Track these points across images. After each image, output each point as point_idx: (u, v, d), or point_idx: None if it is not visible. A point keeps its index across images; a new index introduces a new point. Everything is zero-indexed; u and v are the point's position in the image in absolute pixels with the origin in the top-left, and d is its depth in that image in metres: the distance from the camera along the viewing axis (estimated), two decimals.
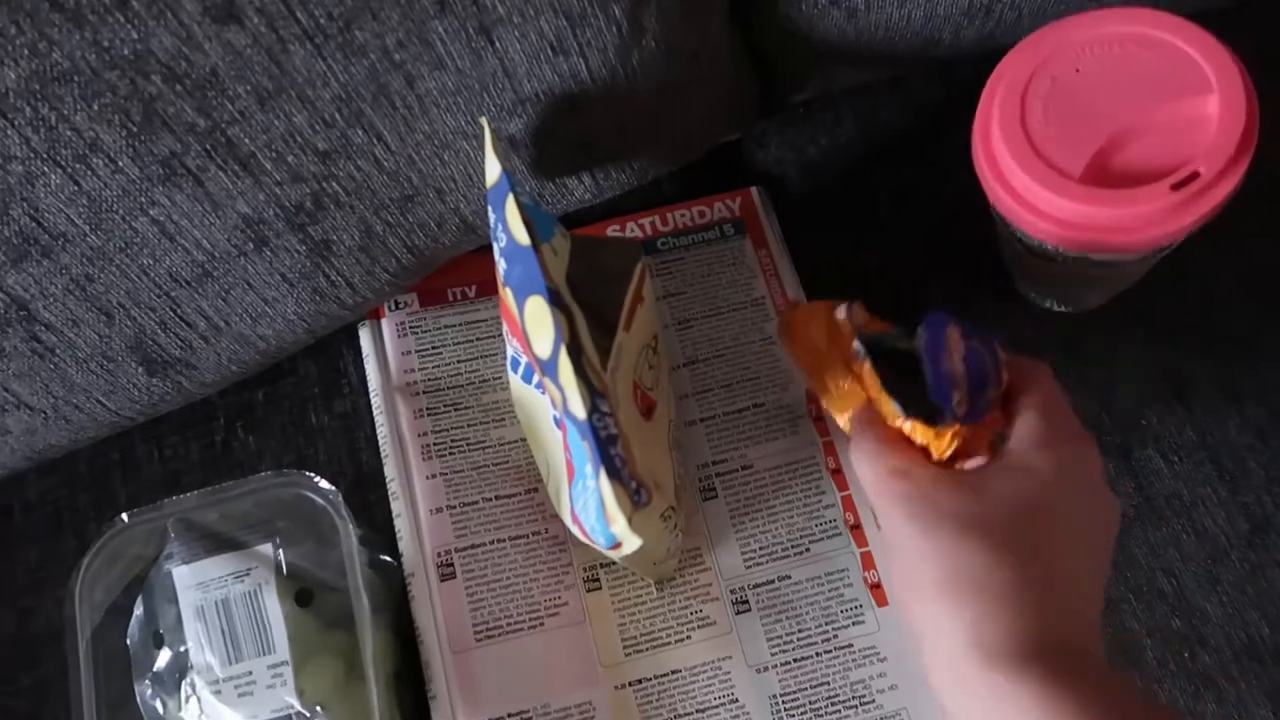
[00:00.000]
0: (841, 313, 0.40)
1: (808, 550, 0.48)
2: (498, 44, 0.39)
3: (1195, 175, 0.39)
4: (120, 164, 0.37)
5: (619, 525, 0.35)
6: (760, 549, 0.48)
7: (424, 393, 0.50)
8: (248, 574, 0.43)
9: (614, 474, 0.35)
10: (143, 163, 0.38)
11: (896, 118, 0.57)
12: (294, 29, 0.36)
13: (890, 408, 0.38)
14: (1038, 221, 0.41)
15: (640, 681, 0.46)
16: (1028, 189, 0.40)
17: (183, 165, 0.38)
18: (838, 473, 0.49)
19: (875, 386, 0.39)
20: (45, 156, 0.36)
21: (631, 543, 0.36)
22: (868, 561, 0.48)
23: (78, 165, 0.37)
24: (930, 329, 0.37)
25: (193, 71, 0.35)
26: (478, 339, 0.52)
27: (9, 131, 0.35)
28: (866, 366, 0.39)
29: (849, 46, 0.49)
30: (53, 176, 0.37)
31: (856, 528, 0.48)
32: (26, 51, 0.33)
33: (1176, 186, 0.39)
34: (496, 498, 0.48)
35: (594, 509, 0.37)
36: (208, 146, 0.38)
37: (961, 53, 0.50)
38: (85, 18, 0.33)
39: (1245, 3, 0.50)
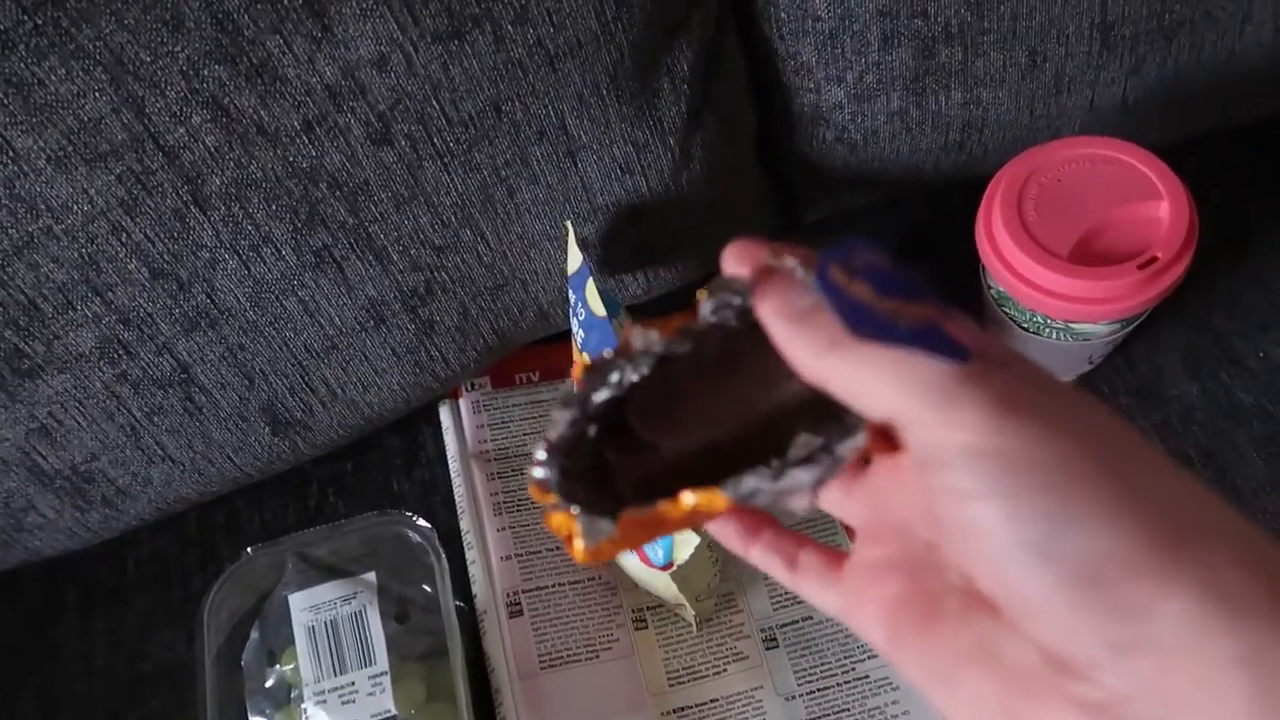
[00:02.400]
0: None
1: None
2: (580, 165, 0.50)
3: (1155, 259, 0.49)
4: (283, 253, 0.47)
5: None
6: (786, 593, 0.55)
7: (495, 459, 0.59)
8: (354, 597, 0.50)
9: None
10: (300, 252, 0.47)
11: (893, 233, 0.66)
12: (430, 150, 0.46)
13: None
14: (1034, 294, 0.50)
15: (683, 708, 0.52)
16: (1027, 268, 0.50)
17: (330, 255, 0.48)
18: (850, 528, 0.57)
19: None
20: (228, 246, 0.46)
21: (685, 550, 0.44)
22: None
23: (251, 253, 0.46)
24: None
25: (351, 181, 0.46)
26: (540, 416, 0.60)
27: (205, 225, 0.45)
28: None
29: (851, 174, 0.60)
30: (231, 262, 0.46)
31: None
32: (232, 164, 0.43)
33: (1142, 267, 0.49)
34: (557, 548, 0.56)
35: None
36: (352, 240, 0.48)
37: (943, 179, 0.60)
38: (280, 139, 0.43)
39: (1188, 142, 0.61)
